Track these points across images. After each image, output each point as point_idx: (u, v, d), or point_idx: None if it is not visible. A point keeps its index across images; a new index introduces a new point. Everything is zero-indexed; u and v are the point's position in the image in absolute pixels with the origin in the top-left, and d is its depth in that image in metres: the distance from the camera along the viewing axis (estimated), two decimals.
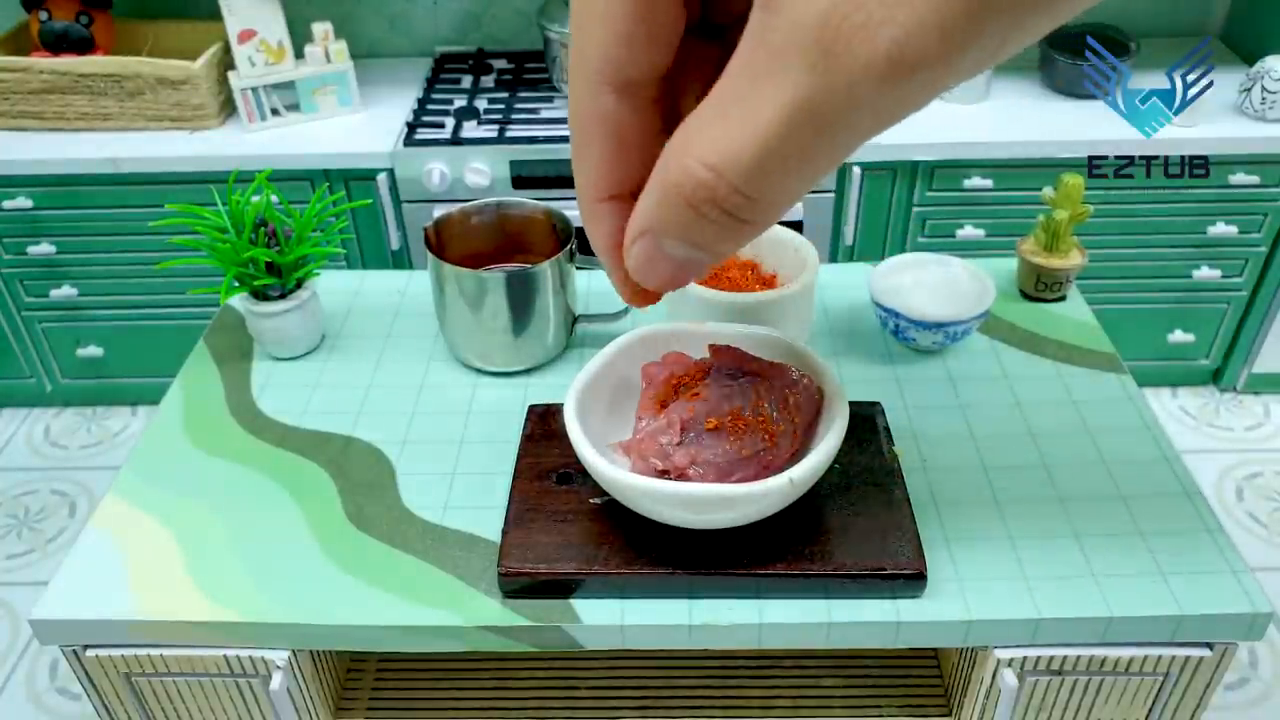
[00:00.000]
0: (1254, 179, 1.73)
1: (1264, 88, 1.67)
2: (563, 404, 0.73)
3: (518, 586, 0.73)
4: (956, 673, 0.84)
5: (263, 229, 0.92)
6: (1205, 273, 1.86)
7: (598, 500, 0.76)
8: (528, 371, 0.96)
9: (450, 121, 1.77)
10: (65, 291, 1.89)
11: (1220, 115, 1.72)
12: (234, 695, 0.80)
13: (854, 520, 0.74)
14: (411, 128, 1.75)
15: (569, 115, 0.30)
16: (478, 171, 1.70)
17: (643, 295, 0.33)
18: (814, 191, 1.74)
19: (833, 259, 1.85)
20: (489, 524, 0.79)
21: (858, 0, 0.21)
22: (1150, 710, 0.79)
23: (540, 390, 0.94)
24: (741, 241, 0.27)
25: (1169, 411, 2.06)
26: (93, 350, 1.99)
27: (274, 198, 0.95)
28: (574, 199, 0.32)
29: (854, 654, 0.91)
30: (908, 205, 1.79)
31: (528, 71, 1.97)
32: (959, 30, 0.21)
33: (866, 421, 0.83)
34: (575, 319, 0.98)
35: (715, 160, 0.24)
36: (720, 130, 0.24)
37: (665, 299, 0.95)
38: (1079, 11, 0.23)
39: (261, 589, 0.75)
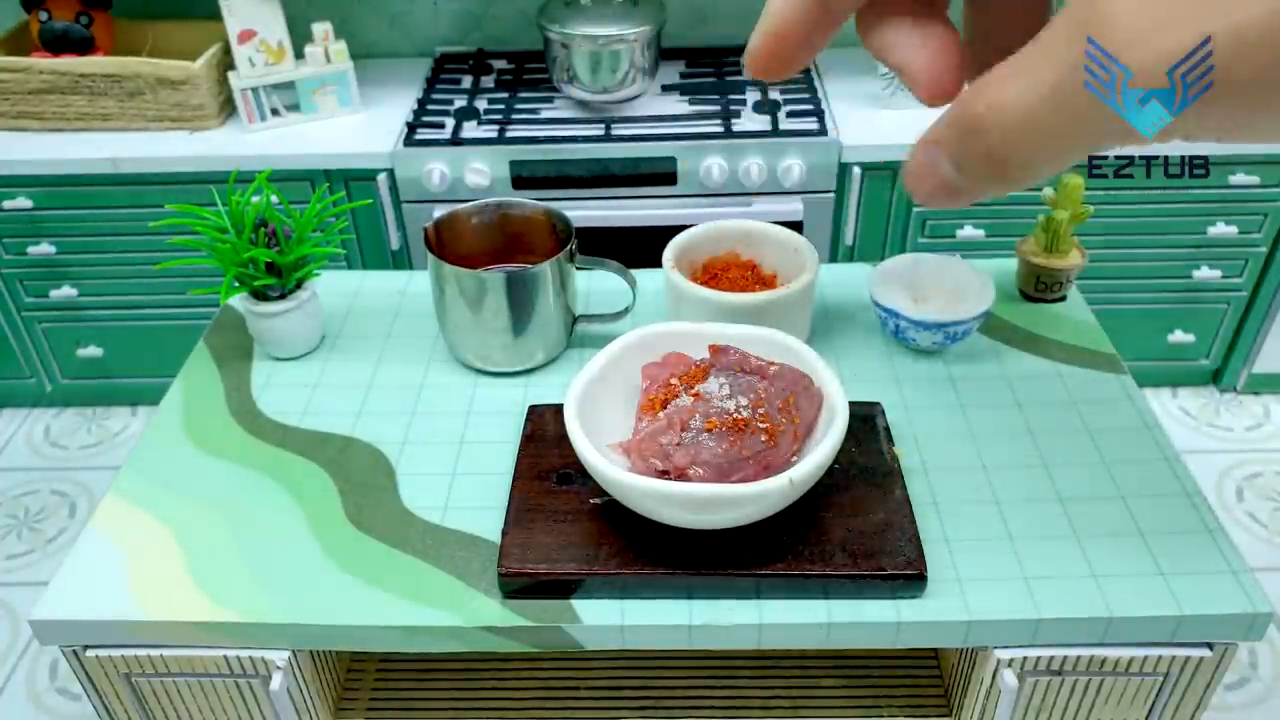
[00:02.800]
0: (1254, 179, 1.73)
1: None
2: (563, 404, 0.73)
3: (518, 587, 0.73)
4: (956, 673, 0.84)
5: (263, 229, 0.92)
6: (1205, 273, 1.86)
7: (598, 500, 0.76)
8: (528, 371, 0.96)
9: (450, 122, 1.77)
10: (65, 291, 1.89)
11: None
12: (234, 695, 0.80)
13: (854, 520, 0.74)
14: (411, 128, 1.75)
15: None
16: (478, 171, 1.70)
17: (773, 63, 0.34)
18: (815, 192, 1.74)
19: (833, 259, 1.85)
20: (489, 524, 0.79)
21: (1171, 5, 0.23)
22: (1150, 710, 0.79)
23: (540, 390, 0.94)
24: (994, 188, 0.30)
25: (1169, 411, 2.06)
26: (93, 350, 1.99)
27: (274, 198, 0.95)
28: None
29: (854, 654, 0.91)
30: (908, 205, 1.79)
31: (528, 71, 1.97)
32: (1255, 57, 0.23)
33: (866, 421, 0.83)
34: (575, 319, 0.98)
35: (989, 105, 0.28)
36: (1008, 83, 0.27)
37: (665, 299, 0.95)
38: None
39: (261, 589, 0.75)
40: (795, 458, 0.72)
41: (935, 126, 0.31)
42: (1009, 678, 0.74)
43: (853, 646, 0.74)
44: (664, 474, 0.70)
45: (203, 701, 0.80)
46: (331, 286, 1.08)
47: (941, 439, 0.86)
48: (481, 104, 1.85)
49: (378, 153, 1.71)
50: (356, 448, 0.88)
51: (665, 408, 0.74)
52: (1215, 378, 2.10)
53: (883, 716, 0.87)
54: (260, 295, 0.95)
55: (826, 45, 0.33)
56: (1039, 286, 1.02)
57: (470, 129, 1.75)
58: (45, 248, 1.83)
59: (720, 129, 1.72)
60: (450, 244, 0.96)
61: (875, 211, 1.80)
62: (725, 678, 0.90)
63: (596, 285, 1.07)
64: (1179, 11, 0.24)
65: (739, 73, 1.95)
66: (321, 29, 1.79)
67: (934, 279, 0.98)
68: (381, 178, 1.73)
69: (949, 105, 0.31)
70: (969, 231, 1.81)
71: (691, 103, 1.83)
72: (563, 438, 0.72)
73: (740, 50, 2.04)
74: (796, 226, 1.73)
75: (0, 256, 1.86)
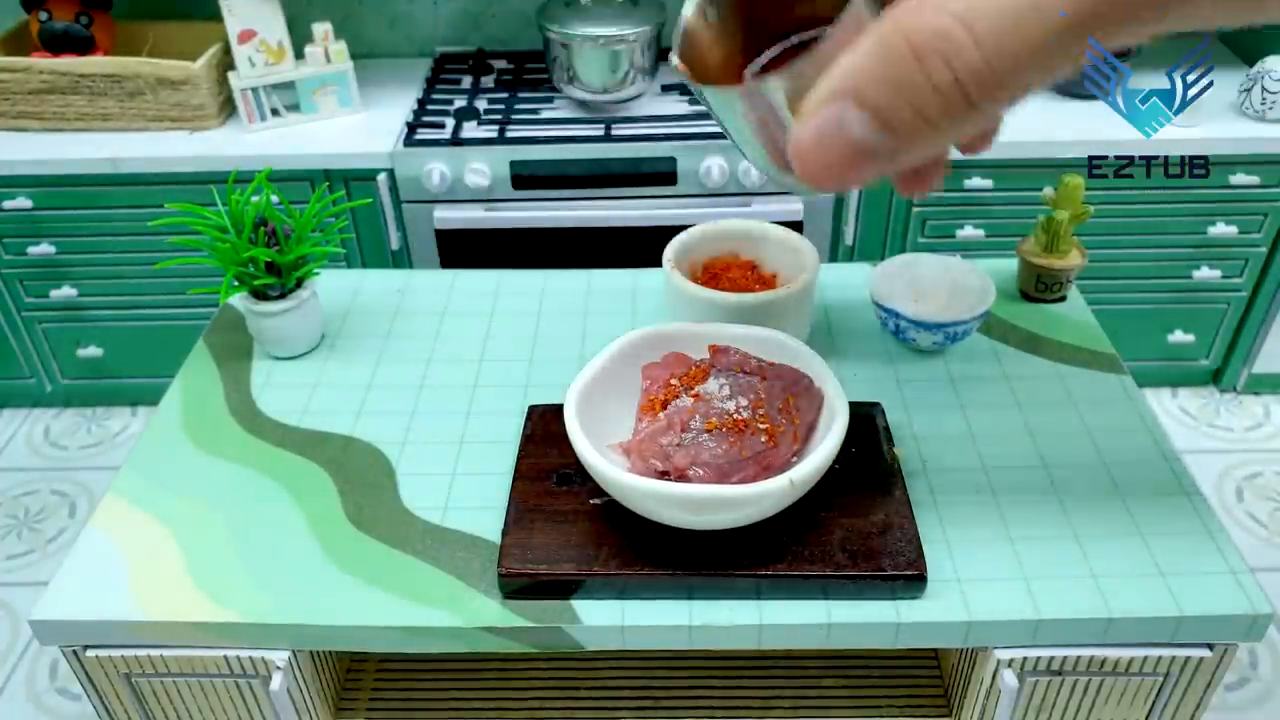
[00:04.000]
0: (1254, 179, 1.73)
1: (1264, 88, 1.67)
2: (563, 404, 0.73)
3: (518, 587, 0.73)
4: (956, 673, 0.84)
5: (263, 229, 0.92)
6: (1205, 273, 1.86)
7: (598, 500, 0.76)
8: (528, 372, 0.96)
9: (450, 122, 1.77)
10: (65, 291, 1.89)
11: (1220, 115, 1.72)
12: (234, 695, 0.79)
13: (854, 520, 0.74)
14: (411, 128, 1.75)
15: None
16: (478, 171, 1.70)
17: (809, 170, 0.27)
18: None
19: (833, 259, 1.85)
20: (489, 524, 0.79)
21: None
22: (1150, 710, 0.79)
23: (540, 390, 0.94)
24: (944, 132, 0.22)
25: (1169, 411, 2.06)
26: (93, 350, 1.99)
27: (274, 197, 0.95)
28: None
29: (854, 654, 0.91)
30: (908, 205, 1.79)
31: (528, 72, 1.97)
32: None
33: (866, 421, 0.83)
34: None
35: (964, 9, 0.20)
36: None
37: (665, 298, 0.95)
38: None
39: (261, 589, 0.75)
40: (795, 458, 0.72)
41: (840, 73, 0.23)
42: (1009, 678, 0.74)
43: (853, 647, 0.74)
44: (664, 474, 0.70)
45: (203, 702, 0.80)
46: (331, 286, 1.08)
47: (941, 439, 0.86)
48: (481, 104, 1.85)
49: (378, 153, 1.71)
50: (356, 448, 0.88)
51: (665, 408, 0.74)
52: (1215, 378, 2.10)
53: (883, 716, 0.87)
54: (260, 294, 0.95)
55: None
56: (1039, 286, 1.02)
57: (470, 129, 1.75)
58: (45, 248, 1.83)
59: (720, 129, 1.72)
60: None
61: (875, 211, 1.80)
62: (725, 678, 0.90)
63: (597, 285, 1.07)
64: None
65: None
66: (321, 29, 1.79)
67: (934, 279, 0.98)
68: (381, 178, 1.72)
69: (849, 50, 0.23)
70: (969, 231, 1.81)
71: (691, 103, 1.83)
72: (563, 438, 0.72)
73: None
74: (796, 226, 1.73)
75: (0, 256, 1.86)
